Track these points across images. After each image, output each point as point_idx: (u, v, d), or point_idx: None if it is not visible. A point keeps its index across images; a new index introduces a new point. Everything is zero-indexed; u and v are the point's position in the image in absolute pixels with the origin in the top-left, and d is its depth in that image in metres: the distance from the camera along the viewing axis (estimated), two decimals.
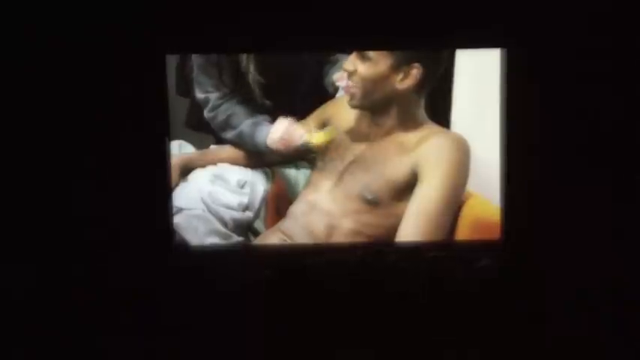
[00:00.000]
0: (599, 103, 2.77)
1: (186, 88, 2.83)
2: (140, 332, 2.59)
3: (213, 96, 2.76)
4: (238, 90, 2.76)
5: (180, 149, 2.81)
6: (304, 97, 2.78)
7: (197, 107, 2.82)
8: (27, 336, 2.60)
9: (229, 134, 2.79)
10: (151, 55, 2.75)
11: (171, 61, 2.78)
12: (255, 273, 2.70)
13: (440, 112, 2.70)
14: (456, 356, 2.55)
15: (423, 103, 2.70)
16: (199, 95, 2.78)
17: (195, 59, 2.77)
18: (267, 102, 2.77)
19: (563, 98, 2.77)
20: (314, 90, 2.79)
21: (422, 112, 2.69)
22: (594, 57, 2.75)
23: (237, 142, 2.79)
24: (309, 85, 2.78)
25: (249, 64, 2.74)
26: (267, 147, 2.75)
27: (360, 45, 2.73)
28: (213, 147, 2.84)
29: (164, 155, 2.81)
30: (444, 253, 2.72)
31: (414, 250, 2.71)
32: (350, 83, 2.67)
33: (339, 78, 2.70)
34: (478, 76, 2.71)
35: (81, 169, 2.77)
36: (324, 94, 2.79)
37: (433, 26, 2.74)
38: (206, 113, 2.77)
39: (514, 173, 2.77)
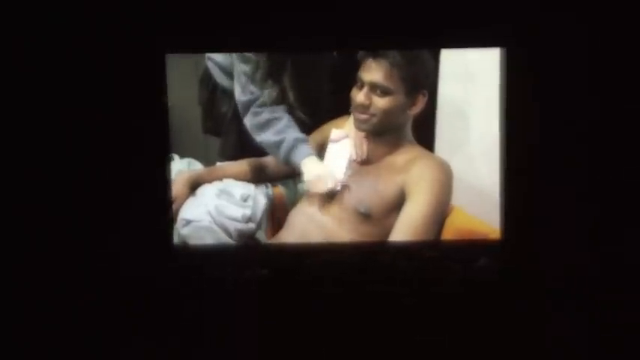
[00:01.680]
0: (599, 103, 2.77)
1: (210, 96, 2.89)
2: (139, 332, 2.59)
3: (266, 92, 2.82)
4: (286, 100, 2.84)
5: (189, 166, 2.92)
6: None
7: (215, 113, 2.90)
8: (27, 336, 2.60)
9: (265, 136, 2.83)
10: (151, 55, 2.76)
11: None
12: (251, 273, 2.73)
13: (425, 133, 2.81)
14: (455, 356, 2.55)
15: (410, 125, 2.80)
16: (242, 95, 2.82)
17: (239, 66, 2.82)
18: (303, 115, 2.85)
19: (563, 98, 2.77)
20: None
21: (410, 134, 2.81)
22: (594, 57, 2.76)
23: (270, 147, 2.83)
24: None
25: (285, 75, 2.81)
26: (297, 166, 2.82)
27: (362, 45, 2.74)
28: (219, 164, 2.93)
29: (164, 155, 2.82)
30: (441, 254, 2.73)
31: (411, 250, 2.72)
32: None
33: (336, 137, 2.83)
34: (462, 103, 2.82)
35: (80, 169, 2.78)
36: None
37: (433, 26, 2.75)
38: (253, 108, 2.82)
39: (513, 173, 2.78)
